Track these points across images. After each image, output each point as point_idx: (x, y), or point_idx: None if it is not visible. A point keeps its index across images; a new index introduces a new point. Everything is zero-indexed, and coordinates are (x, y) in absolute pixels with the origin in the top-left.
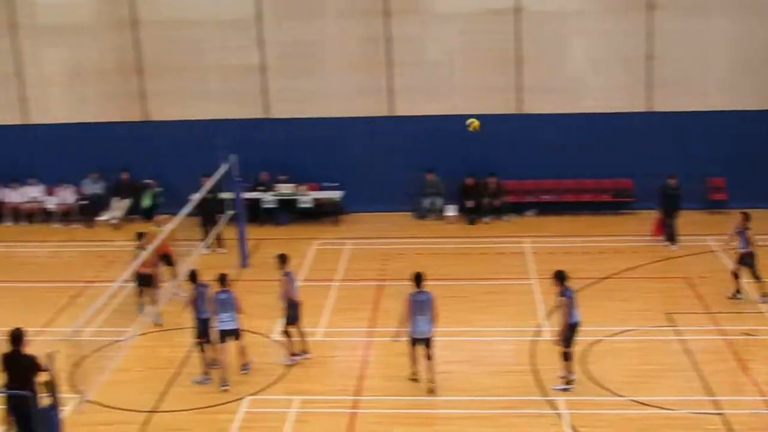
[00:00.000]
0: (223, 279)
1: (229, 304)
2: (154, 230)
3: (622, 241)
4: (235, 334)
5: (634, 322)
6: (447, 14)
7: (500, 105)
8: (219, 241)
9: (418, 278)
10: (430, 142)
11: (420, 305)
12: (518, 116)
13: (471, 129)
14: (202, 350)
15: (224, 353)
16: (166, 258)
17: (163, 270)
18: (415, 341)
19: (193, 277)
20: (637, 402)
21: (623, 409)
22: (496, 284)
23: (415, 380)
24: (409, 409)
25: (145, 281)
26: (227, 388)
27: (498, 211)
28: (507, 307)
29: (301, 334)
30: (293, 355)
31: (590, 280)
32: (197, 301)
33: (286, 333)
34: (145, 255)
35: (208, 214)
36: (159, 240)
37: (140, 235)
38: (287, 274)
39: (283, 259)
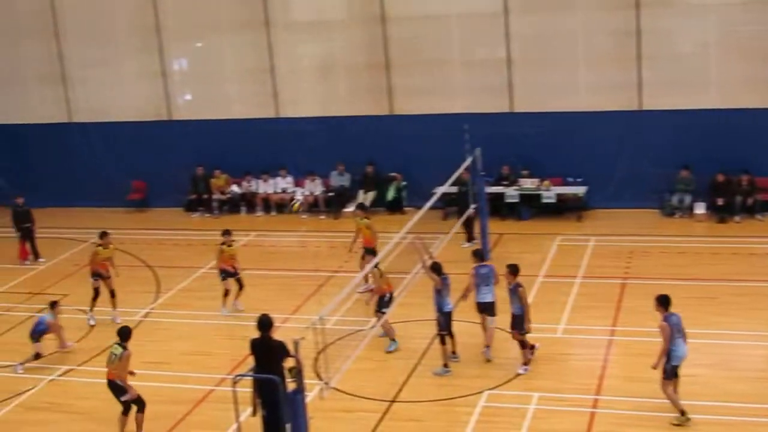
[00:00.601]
0: (478, 254)
1: (489, 278)
2: (359, 222)
3: None
4: (491, 308)
5: None
6: (701, 5)
7: (756, 98)
8: (469, 234)
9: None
10: (679, 138)
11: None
12: None
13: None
14: (443, 342)
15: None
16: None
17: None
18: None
19: (437, 269)
20: None
21: None
22: (747, 286)
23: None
24: (649, 412)
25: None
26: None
27: (750, 210)
28: (758, 310)
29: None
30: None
31: None
32: (441, 293)
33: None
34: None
35: (463, 207)
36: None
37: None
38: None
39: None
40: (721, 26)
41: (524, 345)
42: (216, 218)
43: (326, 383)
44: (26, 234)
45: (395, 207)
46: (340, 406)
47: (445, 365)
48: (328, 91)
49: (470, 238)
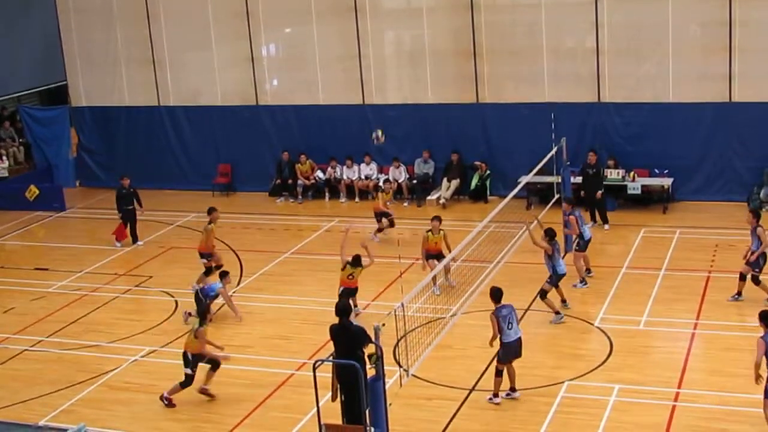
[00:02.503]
0: (495, 293)
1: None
2: (382, 196)
3: None
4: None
5: None
6: None
7: None
8: (603, 216)
9: (496, 294)
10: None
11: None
12: None
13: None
14: (544, 298)
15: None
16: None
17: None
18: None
19: (550, 234)
20: None
21: None
22: None
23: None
24: (732, 406)
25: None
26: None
27: None
28: None
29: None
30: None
31: None
32: (553, 257)
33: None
34: None
35: (590, 191)
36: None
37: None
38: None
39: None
40: None
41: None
42: (300, 204)
43: (406, 370)
44: (128, 216)
45: (479, 196)
46: (420, 393)
47: (557, 312)
48: (414, 78)
49: (605, 221)
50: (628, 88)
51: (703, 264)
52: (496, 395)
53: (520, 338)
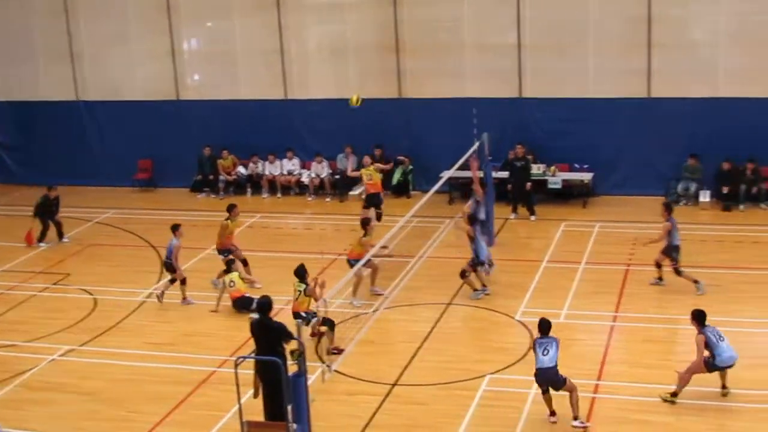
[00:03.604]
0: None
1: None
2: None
3: None
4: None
5: None
6: None
7: (764, 88)
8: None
9: (544, 325)
10: (686, 126)
11: (543, 345)
12: None
13: (353, 104)
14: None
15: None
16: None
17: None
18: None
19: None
20: None
21: None
22: (753, 274)
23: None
24: (651, 398)
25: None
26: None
27: (755, 198)
28: (762, 298)
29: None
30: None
31: None
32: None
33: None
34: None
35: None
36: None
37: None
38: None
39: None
40: (731, 15)
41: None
42: (222, 199)
43: (328, 366)
44: (49, 218)
45: (401, 191)
46: (342, 389)
47: (477, 289)
48: (338, 73)
49: (532, 212)
50: (549, 84)
51: (622, 257)
52: (552, 414)
53: (555, 367)
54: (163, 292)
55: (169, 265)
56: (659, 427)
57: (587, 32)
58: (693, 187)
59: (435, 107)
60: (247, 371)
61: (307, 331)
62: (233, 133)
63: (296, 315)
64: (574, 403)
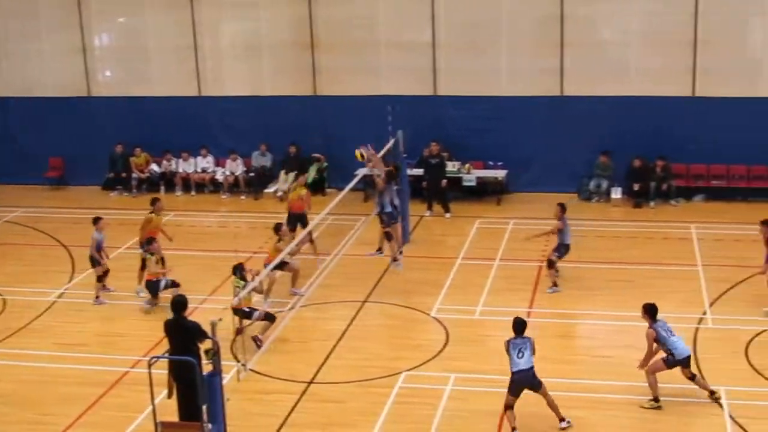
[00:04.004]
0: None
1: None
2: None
3: None
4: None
5: None
6: None
7: (674, 88)
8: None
9: (519, 326)
10: (598, 124)
11: (518, 347)
12: (692, 99)
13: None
14: (389, 239)
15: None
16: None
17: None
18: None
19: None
20: None
21: None
22: (662, 270)
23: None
24: (566, 392)
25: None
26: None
27: (665, 195)
28: (672, 293)
29: None
30: None
31: (759, 268)
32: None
33: None
34: None
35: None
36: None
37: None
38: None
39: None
40: (642, 15)
41: None
42: (134, 197)
43: (243, 365)
44: None
45: (317, 188)
46: (258, 388)
47: (395, 259)
48: (252, 70)
49: (447, 210)
50: (463, 82)
51: (536, 254)
52: (513, 429)
53: (532, 368)
54: (97, 296)
55: (94, 259)
56: (573, 421)
57: (501, 31)
58: (605, 184)
59: (350, 105)
60: (161, 371)
61: (223, 329)
62: (146, 131)
63: (236, 311)
64: (554, 406)
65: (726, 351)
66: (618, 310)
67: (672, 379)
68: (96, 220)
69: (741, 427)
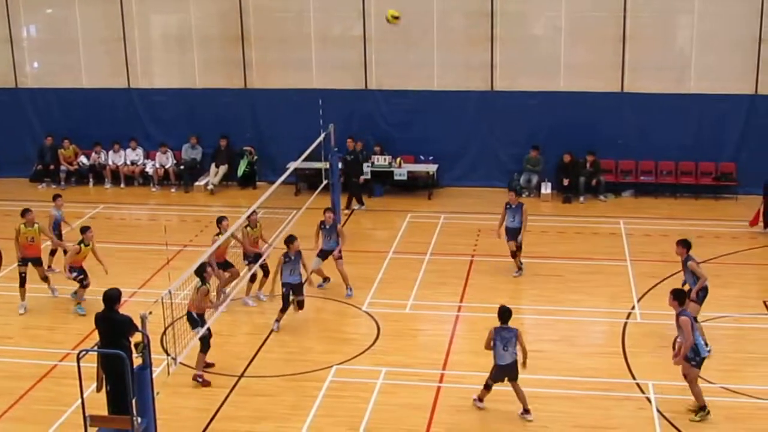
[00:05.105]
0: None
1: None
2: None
3: (722, 226)
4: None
5: (730, 309)
6: None
7: (603, 83)
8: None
9: (505, 314)
10: (528, 119)
11: (505, 340)
12: (621, 95)
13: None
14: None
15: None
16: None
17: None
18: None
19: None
20: (728, 390)
21: (713, 396)
22: (591, 264)
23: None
24: (498, 386)
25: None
26: None
27: (594, 190)
28: (601, 287)
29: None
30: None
31: None
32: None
33: None
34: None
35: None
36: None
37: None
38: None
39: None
40: (570, 12)
41: None
42: (63, 190)
43: (173, 358)
44: None
45: (247, 181)
46: (188, 382)
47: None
48: (182, 62)
49: (361, 202)
50: (394, 76)
51: (467, 248)
52: (480, 399)
53: (515, 361)
54: (75, 292)
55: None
56: (501, 415)
57: (431, 26)
58: (535, 179)
59: (281, 98)
60: (91, 364)
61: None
62: (75, 123)
63: (189, 314)
64: (522, 397)
65: (654, 345)
66: (547, 305)
67: (597, 373)
68: (55, 197)
69: (668, 421)
